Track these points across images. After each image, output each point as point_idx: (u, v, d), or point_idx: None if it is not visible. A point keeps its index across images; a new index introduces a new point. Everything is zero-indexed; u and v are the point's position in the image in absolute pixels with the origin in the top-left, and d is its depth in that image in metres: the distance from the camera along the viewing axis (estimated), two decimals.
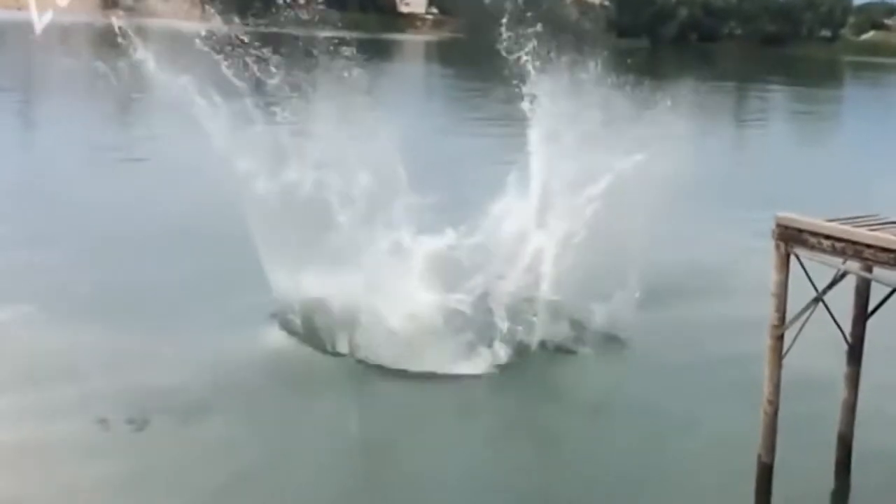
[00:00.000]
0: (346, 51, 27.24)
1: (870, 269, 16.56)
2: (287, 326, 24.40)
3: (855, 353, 18.11)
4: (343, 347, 23.35)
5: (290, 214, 24.51)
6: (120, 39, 26.09)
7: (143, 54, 25.79)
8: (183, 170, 25.49)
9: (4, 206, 35.05)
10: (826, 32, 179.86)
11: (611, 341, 24.64)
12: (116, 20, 26.57)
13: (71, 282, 26.49)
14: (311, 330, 23.99)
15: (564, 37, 29.55)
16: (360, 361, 22.91)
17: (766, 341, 16.79)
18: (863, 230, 15.59)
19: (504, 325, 24.00)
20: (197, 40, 26.43)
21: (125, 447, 18.78)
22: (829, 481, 18.72)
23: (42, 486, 17.14)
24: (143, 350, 22.47)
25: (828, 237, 15.81)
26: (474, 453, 19.35)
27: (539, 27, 27.44)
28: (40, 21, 40.82)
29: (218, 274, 26.78)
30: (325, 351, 23.39)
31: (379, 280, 24.07)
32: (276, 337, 24.08)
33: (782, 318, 16.55)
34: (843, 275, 16.81)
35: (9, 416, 19.38)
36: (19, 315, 24.04)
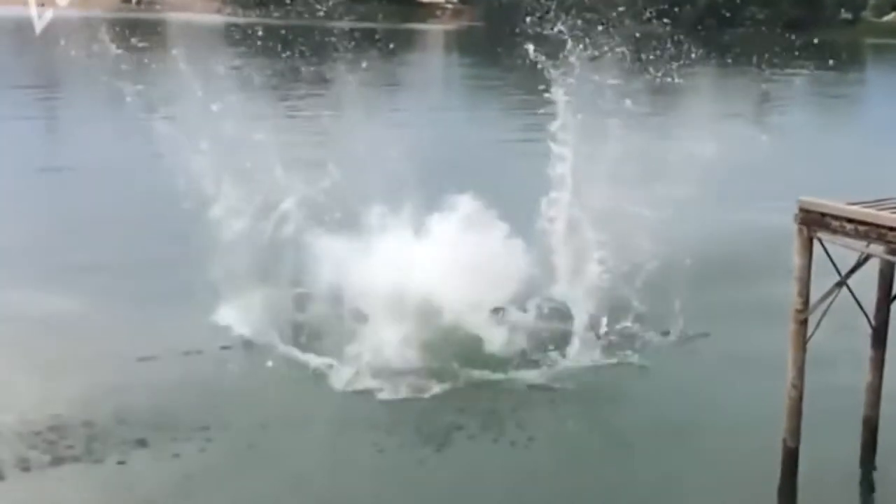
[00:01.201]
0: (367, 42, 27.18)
1: (893, 253, 16.51)
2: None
3: (879, 336, 18.08)
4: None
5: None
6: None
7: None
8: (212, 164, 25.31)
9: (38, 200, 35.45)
10: (847, 15, 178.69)
11: (641, 328, 24.71)
12: None
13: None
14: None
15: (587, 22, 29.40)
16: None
17: (790, 326, 16.77)
18: (886, 213, 15.54)
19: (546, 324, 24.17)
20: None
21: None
22: (854, 464, 18.71)
23: None
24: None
25: (850, 220, 15.76)
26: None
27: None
28: (40, 20, 40.88)
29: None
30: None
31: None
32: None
33: (805, 303, 16.52)
34: (867, 258, 16.78)
35: None
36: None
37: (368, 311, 23.51)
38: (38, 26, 40.65)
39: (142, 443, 18.68)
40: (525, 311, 24.80)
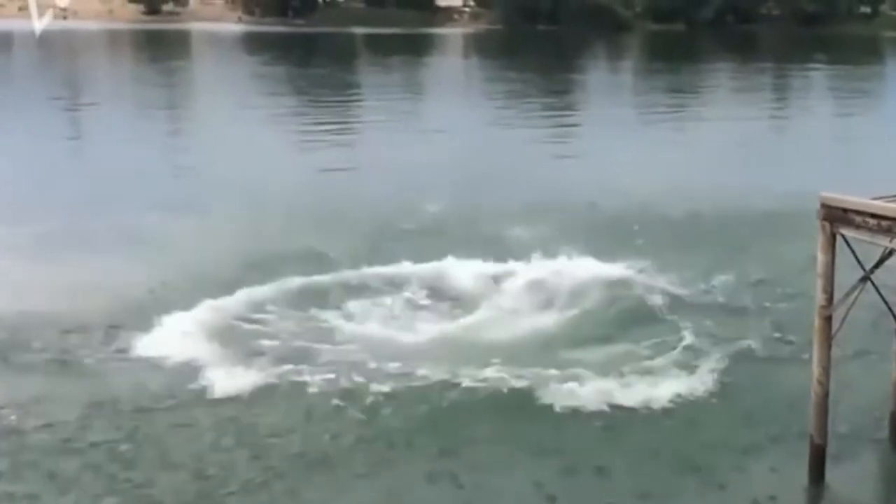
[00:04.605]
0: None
1: None
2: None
3: None
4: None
5: None
6: None
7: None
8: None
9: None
10: (865, 9, 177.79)
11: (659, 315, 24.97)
12: None
13: None
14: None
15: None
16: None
17: (815, 322, 16.76)
18: None
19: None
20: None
21: None
22: (881, 460, 18.68)
23: None
24: None
25: (873, 216, 15.69)
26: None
27: None
28: (39, 23, 41.37)
29: None
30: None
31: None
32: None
33: (830, 299, 16.47)
34: (890, 253, 16.74)
35: None
36: None
37: None
38: (37, 30, 41.24)
39: None
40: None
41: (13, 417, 19.44)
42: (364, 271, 27.29)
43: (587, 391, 20.58)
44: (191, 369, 21.40)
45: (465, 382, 20.78)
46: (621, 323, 24.41)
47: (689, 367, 21.84)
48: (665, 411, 20.10)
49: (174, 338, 22.96)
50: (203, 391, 20.46)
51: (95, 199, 37.22)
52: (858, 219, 15.87)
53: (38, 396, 20.32)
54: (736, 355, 22.50)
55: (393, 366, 21.50)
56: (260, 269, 27.11)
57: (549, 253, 27.99)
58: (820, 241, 16.34)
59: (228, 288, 25.70)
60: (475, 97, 75.63)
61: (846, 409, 19.04)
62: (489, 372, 21.25)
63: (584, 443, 18.96)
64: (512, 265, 27.61)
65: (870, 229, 15.82)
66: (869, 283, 16.72)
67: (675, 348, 22.81)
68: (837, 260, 16.37)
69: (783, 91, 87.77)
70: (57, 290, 25.67)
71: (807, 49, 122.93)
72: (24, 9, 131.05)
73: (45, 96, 68.02)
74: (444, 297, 25.98)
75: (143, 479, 17.40)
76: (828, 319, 16.60)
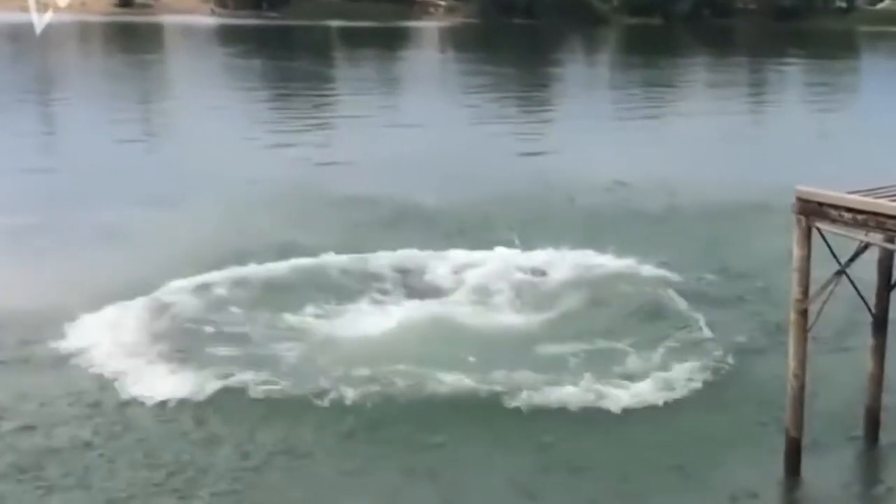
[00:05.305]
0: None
1: (892, 241, 16.47)
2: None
3: (880, 324, 18.03)
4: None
5: None
6: None
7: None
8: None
9: None
10: (841, 3, 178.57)
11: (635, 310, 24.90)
12: None
13: None
14: None
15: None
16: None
17: (790, 316, 16.74)
18: (884, 201, 15.47)
19: None
20: None
21: None
22: (857, 454, 18.68)
23: None
24: None
25: (849, 209, 15.65)
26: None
27: None
28: (40, 21, 41.15)
29: None
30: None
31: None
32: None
33: (805, 293, 16.45)
34: (866, 247, 16.74)
35: None
36: None
37: None
38: (38, 28, 40.95)
39: None
40: None
41: None
42: (338, 266, 27.18)
43: (566, 387, 20.39)
44: (160, 368, 21.10)
45: (443, 379, 20.46)
46: (600, 318, 24.35)
47: (669, 362, 21.77)
48: (644, 407, 19.99)
49: (145, 335, 22.73)
50: (173, 391, 20.08)
51: (68, 193, 37.05)
52: (834, 213, 15.84)
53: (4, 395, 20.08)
54: (716, 349, 22.48)
55: (367, 362, 21.16)
56: (230, 263, 26.98)
57: (527, 247, 28.11)
58: (795, 234, 16.30)
59: (199, 283, 25.52)
60: (451, 91, 75.52)
61: (822, 403, 19.07)
62: (467, 368, 20.95)
63: (562, 440, 18.83)
64: (489, 259, 27.60)
65: (845, 223, 15.81)
66: (845, 278, 16.71)
67: (655, 343, 22.72)
68: (813, 254, 16.34)
69: (760, 85, 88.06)
70: (26, 285, 25.46)
71: (783, 43, 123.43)
72: None
73: (17, 90, 67.65)
74: (420, 292, 25.92)
75: (117, 480, 17.15)
76: (803, 313, 16.58)
